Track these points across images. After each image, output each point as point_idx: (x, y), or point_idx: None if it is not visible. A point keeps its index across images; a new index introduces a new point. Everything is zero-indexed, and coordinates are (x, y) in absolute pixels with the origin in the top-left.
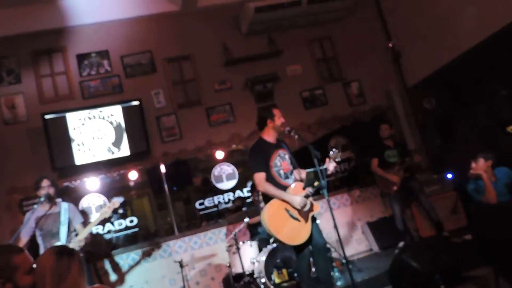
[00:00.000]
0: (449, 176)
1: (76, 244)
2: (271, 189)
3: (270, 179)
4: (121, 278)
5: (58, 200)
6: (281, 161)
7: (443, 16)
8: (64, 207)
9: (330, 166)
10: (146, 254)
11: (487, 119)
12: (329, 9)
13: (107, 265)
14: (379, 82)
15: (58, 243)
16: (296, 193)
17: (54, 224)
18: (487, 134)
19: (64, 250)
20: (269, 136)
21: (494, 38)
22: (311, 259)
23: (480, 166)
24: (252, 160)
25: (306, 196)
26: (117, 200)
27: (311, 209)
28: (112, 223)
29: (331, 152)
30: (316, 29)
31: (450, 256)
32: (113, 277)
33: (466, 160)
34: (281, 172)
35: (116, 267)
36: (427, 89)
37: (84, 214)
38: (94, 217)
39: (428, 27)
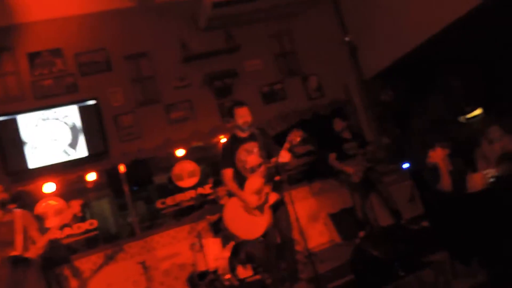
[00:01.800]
0: (406, 165)
1: (34, 252)
2: (232, 187)
3: (237, 174)
4: (83, 283)
5: (12, 207)
6: (247, 155)
7: (399, 9)
8: (18, 214)
9: (286, 156)
10: (108, 257)
11: (442, 110)
12: (286, 3)
13: (68, 271)
14: (337, 75)
15: (14, 253)
16: (252, 186)
17: (8, 233)
18: (442, 124)
19: (18, 260)
20: (238, 131)
21: (448, 30)
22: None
23: (437, 154)
24: (221, 157)
25: (259, 192)
26: (76, 204)
27: (267, 201)
28: (71, 227)
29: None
30: (274, 24)
31: (408, 243)
32: (74, 282)
33: (422, 150)
34: (246, 166)
35: (77, 272)
36: (384, 82)
37: (40, 219)
38: (52, 222)
39: (384, 20)
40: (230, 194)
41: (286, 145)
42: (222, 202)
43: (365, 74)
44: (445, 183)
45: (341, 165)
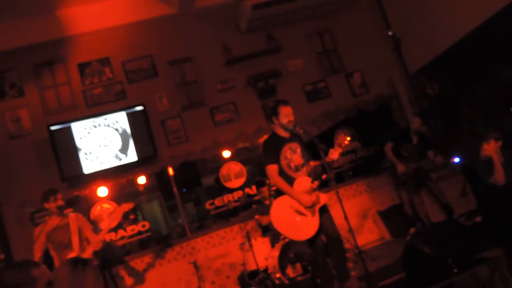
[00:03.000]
0: (456, 160)
1: (90, 250)
2: (281, 184)
3: (281, 171)
4: (138, 283)
5: (67, 212)
6: (292, 154)
7: (442, 0)
8: (72, 217)
9: (335, 154)
10: (160, 257)
11: (490, 101)
12: (326, 1)
13: (123, 271)
14: (381, 70)
15: (72, 253)
16: (302, 186)
17: (65, 235)
18: (491, 115)
19: (77, 260)
20: (280, 130)
21: (494, 20)
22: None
23: (491, 147)
24: (263, 153)
25: (310, 192)
26: (127, 205)
27: (317, 202)
28: (125, 229)
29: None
30: (315, 22)
31: (461, 239)
32: (129, 282)
33: (472, 142)
34: (291, 164)
35: (131, 272)
36: (430, 74)
37: (95, 223)
38: (106, 224)
39: (427, 12)
40: (278, 193)
41: (336, 147)
42: (267, 202)
43: (409, 68)
44: (499, 176)
45: (393, 158)
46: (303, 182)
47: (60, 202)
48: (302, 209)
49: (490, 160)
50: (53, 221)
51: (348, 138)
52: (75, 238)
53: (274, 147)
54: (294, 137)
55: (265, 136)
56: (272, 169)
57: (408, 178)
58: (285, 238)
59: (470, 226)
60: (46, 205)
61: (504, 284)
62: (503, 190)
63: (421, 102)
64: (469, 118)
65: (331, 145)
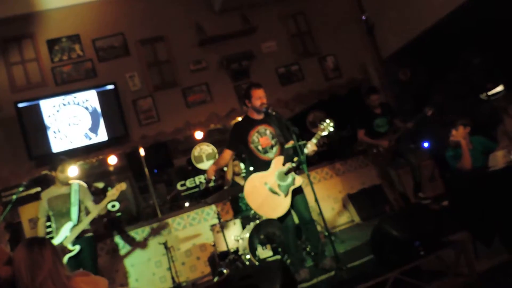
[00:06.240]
0: (426, 145)
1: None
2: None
3: (250, 154)
4: (106, 264)
5: (71, 181)
6: (259, 136)
7: None
8: (74, 188)
9: (310, 148)
10: (130, 238)
11: (461, 88)
12: None
13: None
14: (354, 55)
15: (69, 223)
16: (276, 167)
17: (63, 205)
18: (461, 102)
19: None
20: (253, 113)
21: (466, 7)
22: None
23: (460, 133)
24: (229, 135)
25: (288, 172)
26: (124, 183)
27: (292, 183)
28: None
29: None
30: (290, 4)
31: (429, 223)
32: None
33: (442, 128)
34: (260, 147)
35: (100, 253)
36: (402, 60)
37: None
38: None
39: None
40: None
41: (318, 135)
42: (227, 177)
43: (382, 53)
44: (466, 161)
45: (372, 140)
46: (278, 162)
47: (66, 173)
48: (276, 188)
49: (459, 146)
50: (56, 189)
51: (331, 125)
52: (74, 208)
53: (240, 132)
54: (268, 118)
55: (238, 118)
56: (225, 153)
57: (394, 154)
58: (256, 219)
59: (437, 210)
60: (53, 173)
61: (468, 267)
62: (469, 175)
63: (392, 87)
64: (439, 104)
65: (303, 128)
